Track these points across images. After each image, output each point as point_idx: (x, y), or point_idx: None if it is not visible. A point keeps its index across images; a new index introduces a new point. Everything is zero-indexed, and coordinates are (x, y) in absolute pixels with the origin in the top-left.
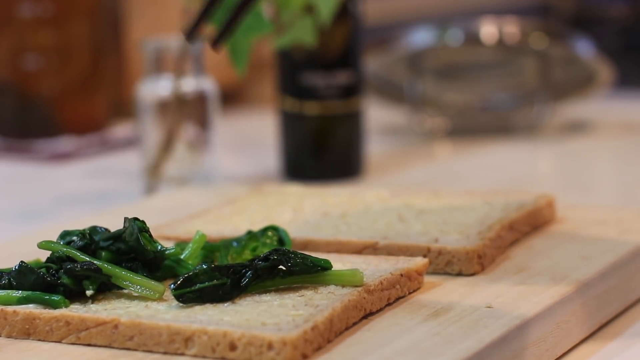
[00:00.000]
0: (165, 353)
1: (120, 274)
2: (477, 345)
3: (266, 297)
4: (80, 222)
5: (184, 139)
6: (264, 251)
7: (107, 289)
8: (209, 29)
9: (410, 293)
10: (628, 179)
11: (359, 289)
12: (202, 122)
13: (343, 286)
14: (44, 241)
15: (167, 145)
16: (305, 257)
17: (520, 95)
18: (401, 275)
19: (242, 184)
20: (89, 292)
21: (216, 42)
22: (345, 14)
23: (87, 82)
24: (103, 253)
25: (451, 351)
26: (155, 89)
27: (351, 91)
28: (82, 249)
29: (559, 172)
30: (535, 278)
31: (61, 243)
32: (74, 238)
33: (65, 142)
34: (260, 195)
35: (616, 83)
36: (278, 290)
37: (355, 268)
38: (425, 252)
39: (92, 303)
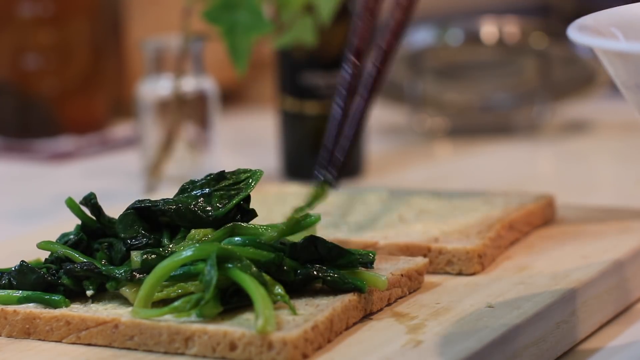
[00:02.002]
0: (165, 353)
1: (120, 275)
2: (477, 345)
3: None
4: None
5: (184, 139)
6: None
7: (107, 288)
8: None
9: (410, 293)
10: (628, 179)
11: None
12: (202, 122)
13: None
14: (43, 241)
15: (167, 145)
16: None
17: (520, 95)
18: (402, 275)
19: None
20: (89, 292)
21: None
22: (345, 13)
23: (87, 82)
24: (98, 254)
25: (451, 351)
26: (155, 88)
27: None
28: (75, 245)
29: (559, 172)
30: (535, 278)
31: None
32: (71, 237)
33: (65, 142)
34: (260, 195)
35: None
36: None
37: (378, 273)
38: (426, 252)
39: (93, 303)
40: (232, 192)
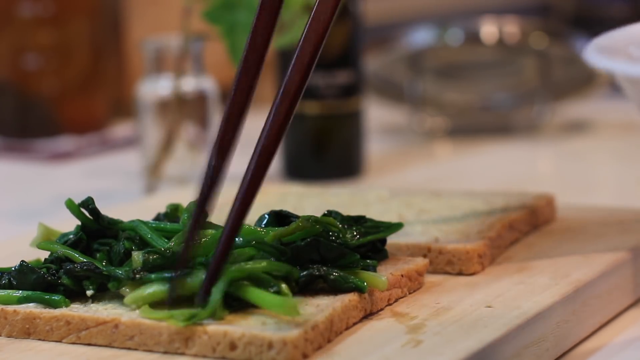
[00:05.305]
0: (165, 353)
1: (121, 275)
2: (477, 345)
3: None
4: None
5: (184, 139)
6: None
7: (107, 288)
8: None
9: (410, 293)
10: (628, 179)
11: None
12: (202, 122)
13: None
14: (43, 241)
15: (167, 145)
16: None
17: (520, 95)
18: (402, 275)
19: None
20: (89, 292)
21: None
22: (345, 13)
23: (87, 81)
24: (99, 254)
25: (451, 351)
26: (155, 88)
27: (351, 91)
28: (75, 245)
29: (559, 172)
30: (535, 278)
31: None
32: (71, 237)
33: (65, 142)
34: (260, 195)
35: (616, 83)
36: None
37: (378, 274)
38: (426, 252)
39: (93, 303)
40: (370, 231)
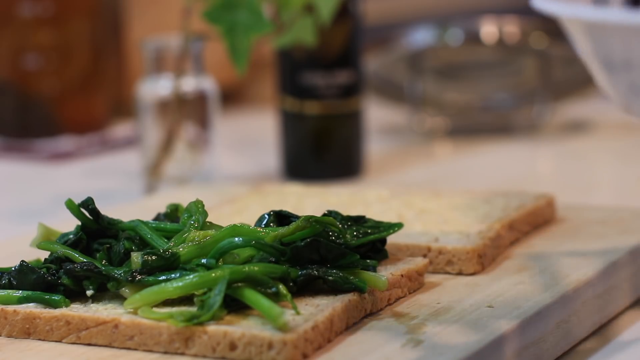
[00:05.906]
0: (165, 353)
1: (120, 275)
2: (477, 345)
3: None
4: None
5: (184, 139)
6: None
7: (107, 288)
8: None
9: (410, 293)
10: (628, 179)
11: None
12: (202, 122)
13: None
14: (43, 241)
15: (167, 145)
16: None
17: (520, 95)
18: (402, 275)
19: (242, 184)
20: (89, 292)
21: None
22: (345, 13)
23: (87, 81)
24: (99, 254)
25: (451, 351)
26: (155, 88)
27: (351, 91)
28: (74, 245)
29: (559, 172)
30: (535, 278)
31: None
32: (71, 237)
33: (65, 142)
34: (260, 195)
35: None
36: None
37: (378, 274)
38: (426, 252)
39: (93, 303)
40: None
